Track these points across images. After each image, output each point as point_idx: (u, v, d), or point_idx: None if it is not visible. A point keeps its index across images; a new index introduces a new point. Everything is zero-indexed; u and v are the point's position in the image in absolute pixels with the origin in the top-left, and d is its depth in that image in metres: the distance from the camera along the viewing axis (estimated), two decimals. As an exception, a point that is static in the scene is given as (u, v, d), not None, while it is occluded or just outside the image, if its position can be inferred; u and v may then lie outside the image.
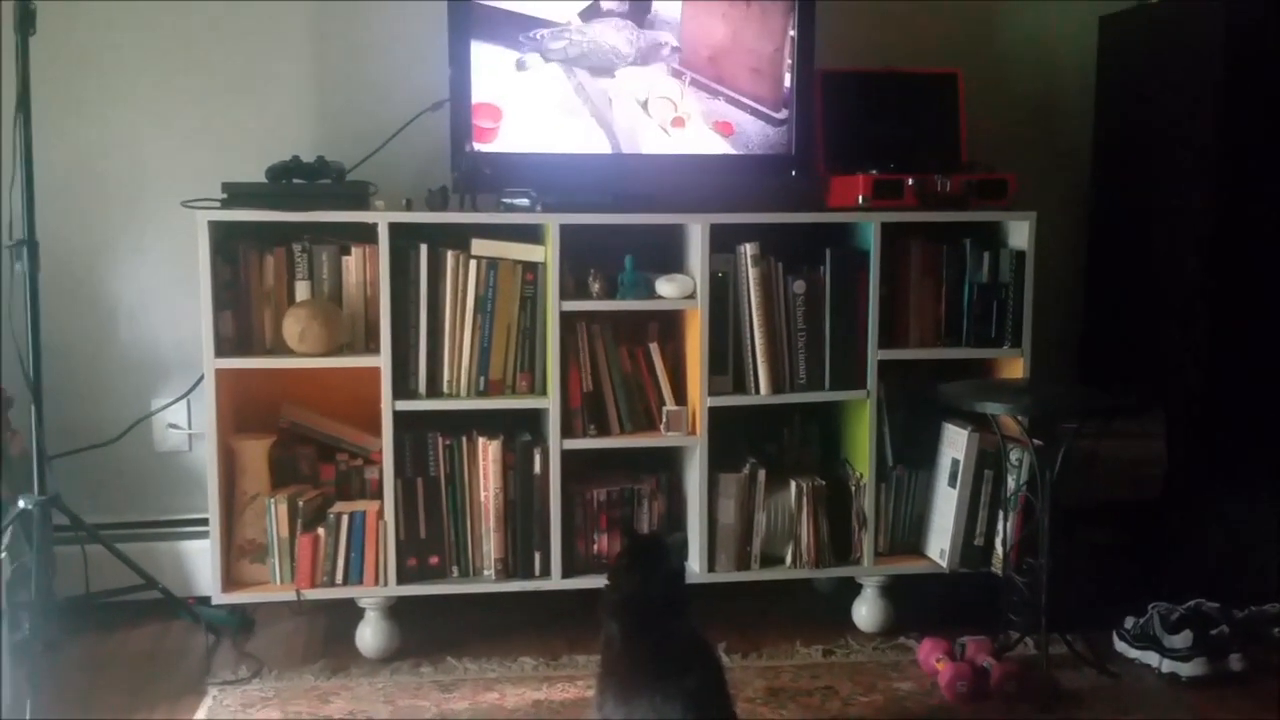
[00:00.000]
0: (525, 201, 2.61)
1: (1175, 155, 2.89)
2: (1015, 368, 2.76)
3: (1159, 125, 2.94)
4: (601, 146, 2.73)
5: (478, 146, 2.67)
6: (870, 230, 2.67)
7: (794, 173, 2.81)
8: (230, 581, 2.57)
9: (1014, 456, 2.62)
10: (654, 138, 2.75)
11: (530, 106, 2.69)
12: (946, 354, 2.75)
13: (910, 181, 2.69)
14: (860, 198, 2.69)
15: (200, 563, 2.79)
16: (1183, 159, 2.86)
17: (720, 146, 2.77)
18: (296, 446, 2.70)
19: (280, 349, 2.56)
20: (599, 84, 2.72)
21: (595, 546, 2.66)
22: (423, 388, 2.57)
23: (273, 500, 2.57)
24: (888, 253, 2.70)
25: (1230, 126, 2.74)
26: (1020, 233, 2.74)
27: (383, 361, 2.52)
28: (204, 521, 2.62)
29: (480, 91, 2.66)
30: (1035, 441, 2.50)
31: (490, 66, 2.66)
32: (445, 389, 2.59)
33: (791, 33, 2.76)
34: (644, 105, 2.74)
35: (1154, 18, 2.99)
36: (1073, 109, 3.23)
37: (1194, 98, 2.81)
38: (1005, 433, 2.62)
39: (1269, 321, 2.79)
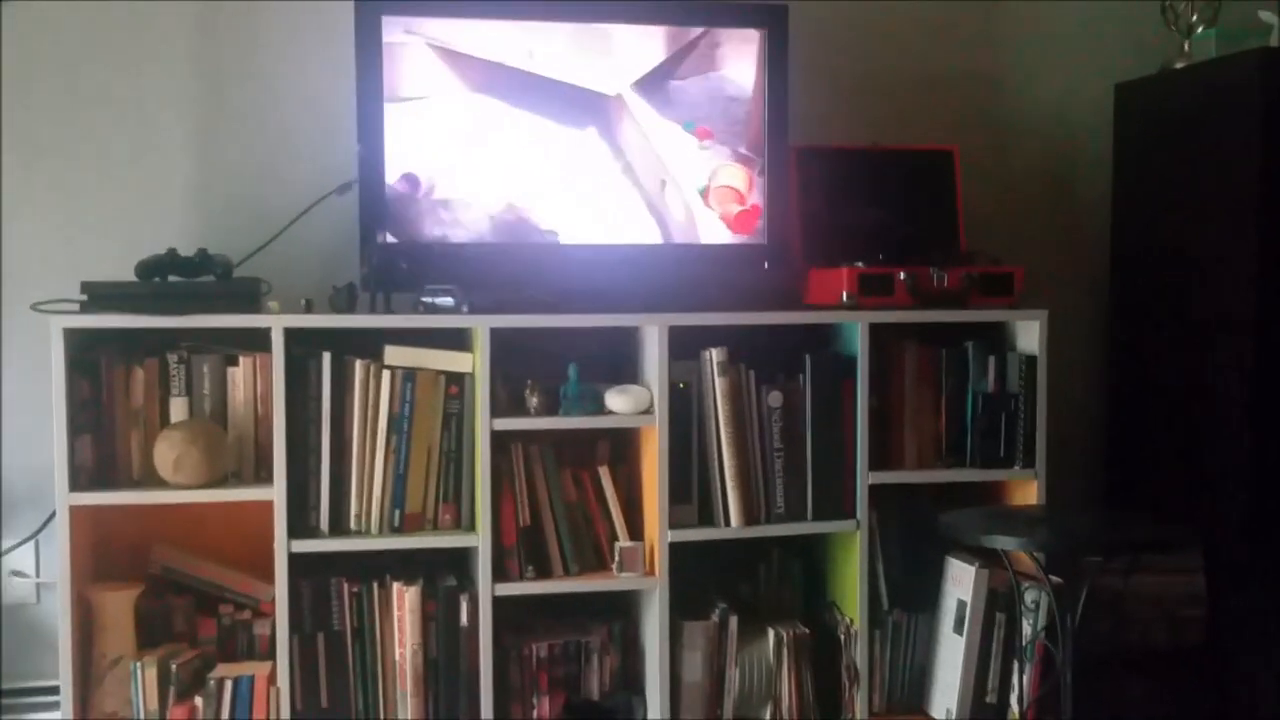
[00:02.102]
0: (449, 300, 2.62)
1: (1210, 241, 2.92)
2: (1029, 492, 2.80)
3: (1189, 207, 2.98)
4: (536, 235, 2.77)
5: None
6: (856, 332, 2.71)
7: (766, 265, 2.84)
8: (86, 766, 2.53)
9: (1029, 598, 2.63)
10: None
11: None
12: (948, 476, 2.79)
13: (901, 275, 2.73)
14: (844, 295, 2.72)
15: (49, 742, 2.73)
16: (1218, 245, 2.89)
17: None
18: (169, 597, 2.67)
19: (151, 480, 2.54)
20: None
21: (535, 713, 2.65)
22: (325, 524, 2.57)
23: (139, 664, 2.52)
24: (877, 358, 2.74)
25: (1274, 204, 2.77)
26: (1030, 334, 2.78)
27: (276, 493, 2.52)
28: (54, 690, 2.58)
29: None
30: (1054, 580, 2.51)
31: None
32: (352, 525, 2.59)
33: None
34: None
35: (1179, 84, 3.04)
36: (1088, 190, 3.29)
37: (1229, 173, 2.85)
38: (1018, 569, 2.62)
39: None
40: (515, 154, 2.72)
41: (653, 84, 2.78)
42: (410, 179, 2.68)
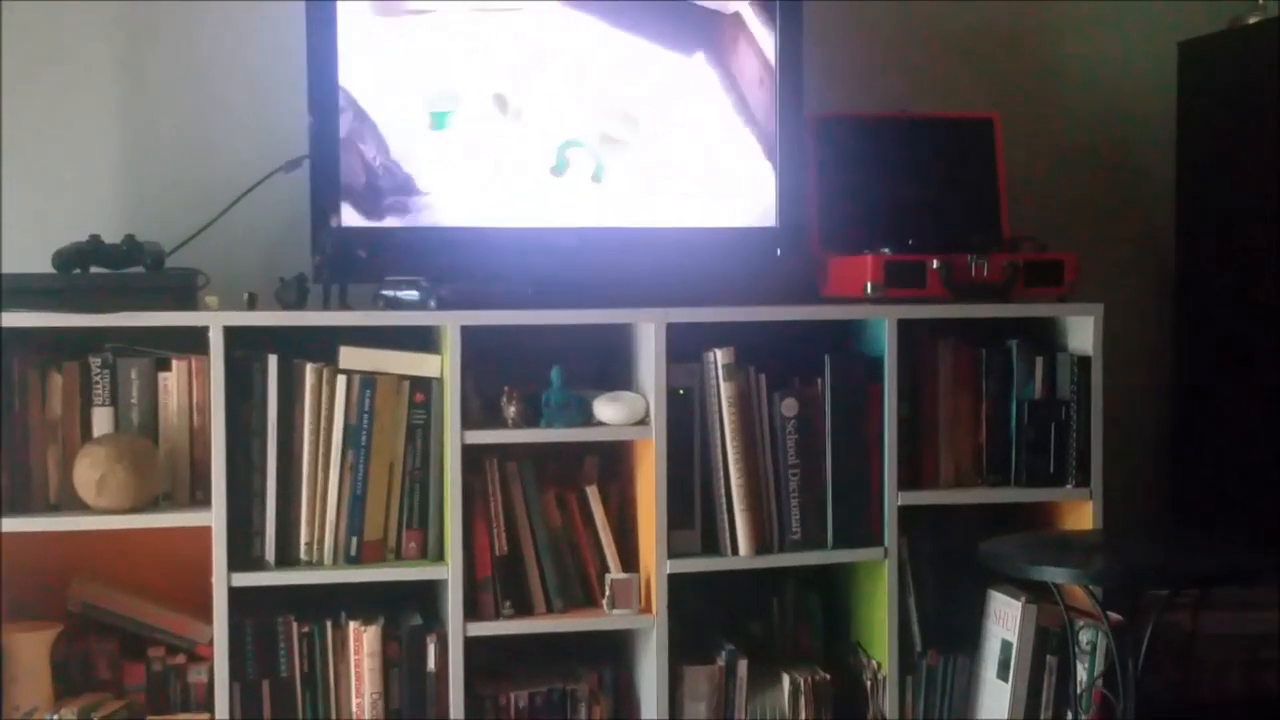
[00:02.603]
0: (413, 294, 2.57)
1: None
2: (1083, 515, 2.73)
3: (1265, 182, 2.92)
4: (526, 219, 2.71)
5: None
6: (883, 329, 2.67)
7: (779, 252, 2.81)
8: (-6, 835, 2.46)
9: (1085, 638, 2.57)
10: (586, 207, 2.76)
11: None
12: (990, 497, 2.74)
13: (934, 264, 2.70)
14: (868, 286, 2.69)
15: (-47, 808, 2.66)
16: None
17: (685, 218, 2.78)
18: (91, 639, 2.59)
19: (70, 504, 2.49)
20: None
21: (514, 773, 2.61)
22: (271, 554, 2.52)
23: (56, 717, 2.46)
24: (907, 360, 2.70)
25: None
26: (1083, 331, 2.74)
27: (215, 518, 2.47)
28: (-42, 748, 2.47)
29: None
30: (1113, 617, 2.44)
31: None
32: (302, 555, 2.53)
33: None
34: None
35: (1251, 41, 2.98)
36: (1148, 164, 3.24)
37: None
38: (1072, 605, 2.55)
39: None
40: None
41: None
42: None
